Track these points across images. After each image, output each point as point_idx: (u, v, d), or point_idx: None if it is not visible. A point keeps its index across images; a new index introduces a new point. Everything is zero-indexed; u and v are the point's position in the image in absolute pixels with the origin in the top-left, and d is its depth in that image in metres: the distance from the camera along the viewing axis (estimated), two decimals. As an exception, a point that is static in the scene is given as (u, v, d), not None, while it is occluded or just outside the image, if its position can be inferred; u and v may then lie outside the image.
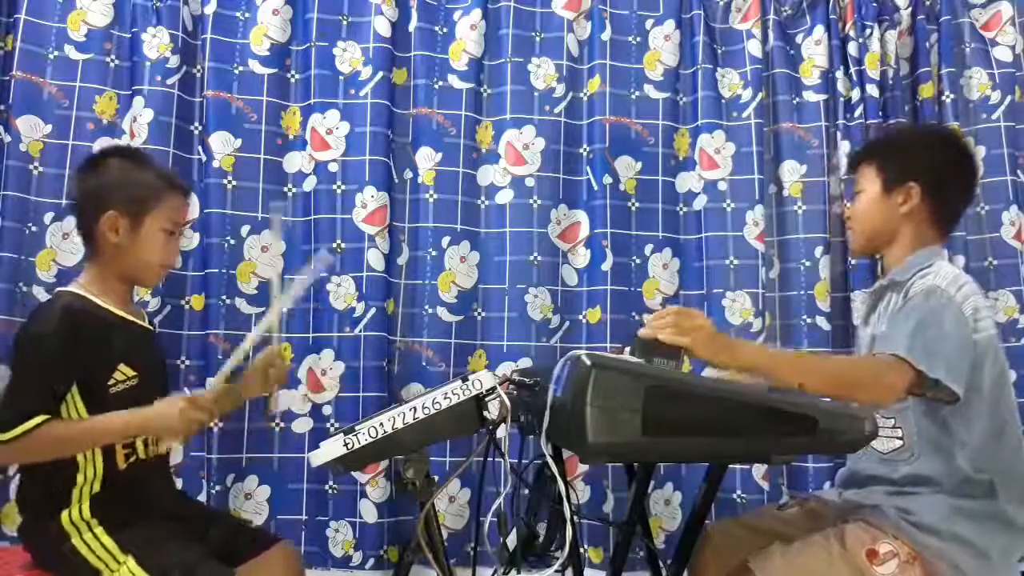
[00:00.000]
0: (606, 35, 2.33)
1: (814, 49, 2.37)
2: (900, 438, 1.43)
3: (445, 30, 2.32)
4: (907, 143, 1.59)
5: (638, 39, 2.38)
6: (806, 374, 1.31)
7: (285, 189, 2.21)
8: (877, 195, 1.53)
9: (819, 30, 2.37)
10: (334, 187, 2.19)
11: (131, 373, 1.42)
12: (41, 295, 1.98)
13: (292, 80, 2.25)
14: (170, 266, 1.54)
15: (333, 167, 2.20)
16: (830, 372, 1.34)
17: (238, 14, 2.21)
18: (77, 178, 1.50)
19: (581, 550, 2.09)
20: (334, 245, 2.17)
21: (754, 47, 2.34)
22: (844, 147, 2.31)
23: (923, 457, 1.40)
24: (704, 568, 1.55)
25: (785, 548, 1.37)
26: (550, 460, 1.31)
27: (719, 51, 2.38)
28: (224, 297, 2.10)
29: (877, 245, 1.58)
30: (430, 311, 2.22)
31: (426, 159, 2.26)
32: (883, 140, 1.70)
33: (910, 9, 2.40)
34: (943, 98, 2.36)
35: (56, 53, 2.10)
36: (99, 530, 1.33)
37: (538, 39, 2.34)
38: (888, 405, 1.39)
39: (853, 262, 2.27)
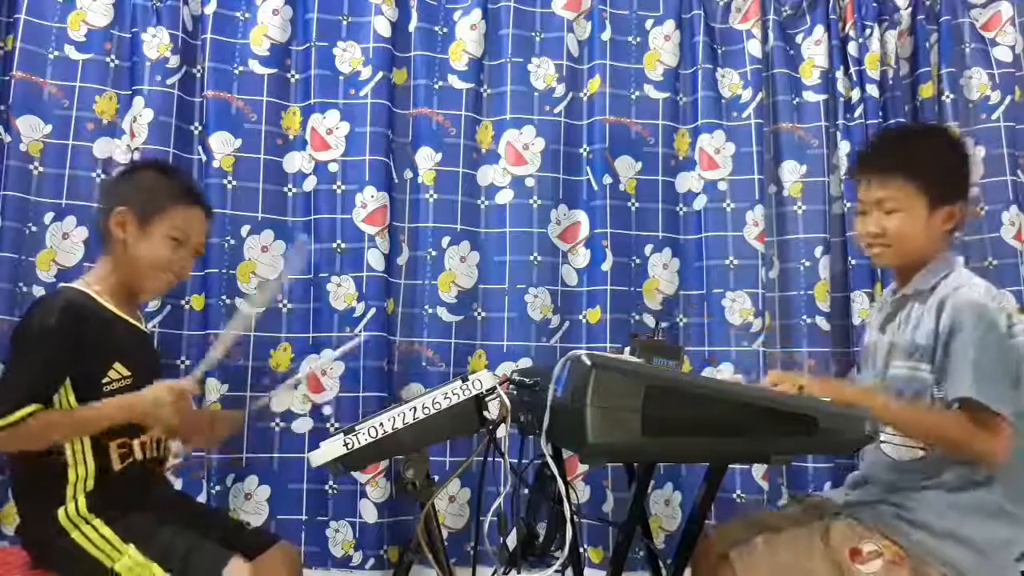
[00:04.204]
0: (606, 35, 2.33)
1: (814, 49, 2.37)
2: (924, 448, 1.42)
3: (445, 30, 2.32)
4: (948, 160, 1.51)
5: (638, 39, 2.38)
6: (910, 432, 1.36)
7: (285, 189, 2.21)
8: (921, 217, 1.46)
9: (819, 30, 2.37)
10: (334, 187, 2.19)
11: (125, 372, 1.42)
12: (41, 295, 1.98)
13: (292, 80, 2.25)
14: (172, 274, 1.51)
15: (333, 167, 2.20)
16: (926, 430, 1.37)
17: (238, 14, 2.21)
18: (103, 183, 1.52)
19: (581, 550, 2.09)
20: (334, 245, 2.17)
21: (754, 47, 2.34)
22: (844, 147, 2.31)
23: (945, 465, 1.39)
24: (704, 572, 1.55)
25: (767, 541, 1.37)
26: (550, 460, 1.31)
27: (719, 51, 2.38)
28: (224, 297, 2.10)
29: (910, 261, 1.51)
30: (430, 311, 2.22)
31: (426, 159, 2.26)
32: (918, 154, 1.51)
33: (910, 9, 2.40)
34: (943, 98, 2.36)
35: (56, 53, 2.10)
36: (97, 522, 1.33)
37: (538, 39, 2.34)
38: (992, 462, 1.36)
39: (853, 262, 2.27)
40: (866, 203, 1.51)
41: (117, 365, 1.41)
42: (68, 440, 1.35)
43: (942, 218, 1.47)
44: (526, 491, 1.57)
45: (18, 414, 1.27)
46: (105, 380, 1.39)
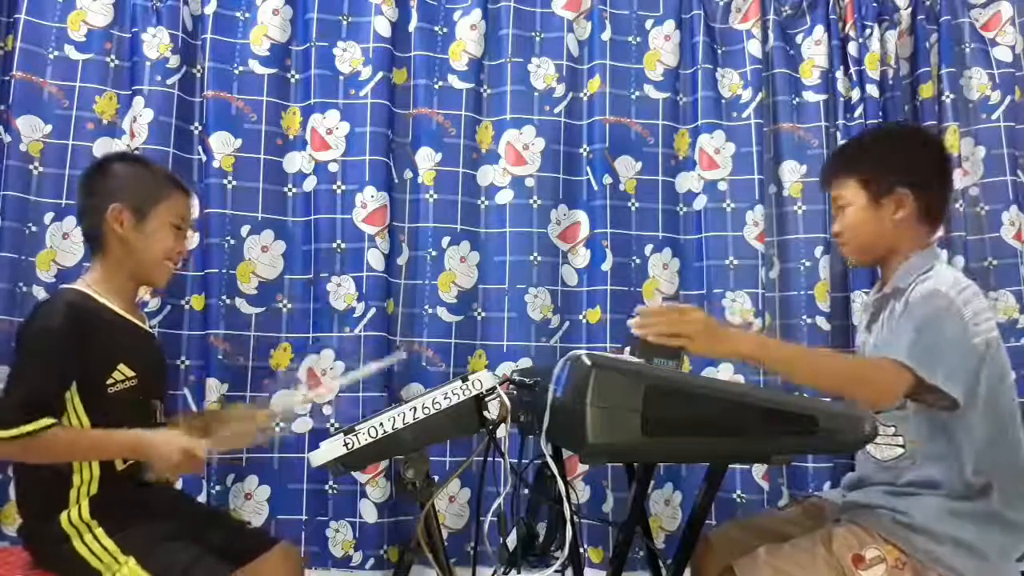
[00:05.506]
0: (606, 35, 2.33)
1: (814, 49, 2.37)
2: (901, 446, 1.43)
3: (445, 30, 2.32)
4: (885, 149, 1.54)
5: (638, 39, 2.38)
6: (807, 370, 1.31)
7: (285, 189, 2.21)
8: (866, 208, 1.49)
9: (819, 30, 2.37)
10: (334, 187, 2.19)
11: (130, 373, 1.42)
12: (41, 295, 1.98)
13: (292, 80, 2.25)
14: (177, 259, 1.55)
15: (333, 167, 2.20)
16: (831, 369, 1.34)
17: (238, 14, 2.21)
18: (82, 183, 1.52)
19: (581, 550, 2.09)
20: (334, 245, 2.17)
21: (754, 47, 2.34)
22: (844, 147, 2.31)
23: (925, 463, 1.40)
24: (704, 573, 1.55)
25: (770, 550, 1.37)
26: (550, 460, 1.31)
27: (719, 51, 2.38)
28: (224, 297, 2.10)
29: (875, 256, 1.55)
30: (430, 311, 2.22)
31: (426, 159, 2.26)
32: (857, 150, 1.60)
33: (910, 9, 2.39)
34: (943, 98, 2.36)
35: (56, 53, 2.10)
36: (99, 531, 1.33)
37: (538, 39, 2.34)
38: (886, 407, 1.38)
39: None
40: (834, 208, 1.59)
41: (121, 366, 1.41)
42: (67, 461, 1.35)
43: (891, 207, 1.48)
44: (526, 491, 1.57)
45: (33, 426, 1.26)
46: (109, 381, 1.39)
